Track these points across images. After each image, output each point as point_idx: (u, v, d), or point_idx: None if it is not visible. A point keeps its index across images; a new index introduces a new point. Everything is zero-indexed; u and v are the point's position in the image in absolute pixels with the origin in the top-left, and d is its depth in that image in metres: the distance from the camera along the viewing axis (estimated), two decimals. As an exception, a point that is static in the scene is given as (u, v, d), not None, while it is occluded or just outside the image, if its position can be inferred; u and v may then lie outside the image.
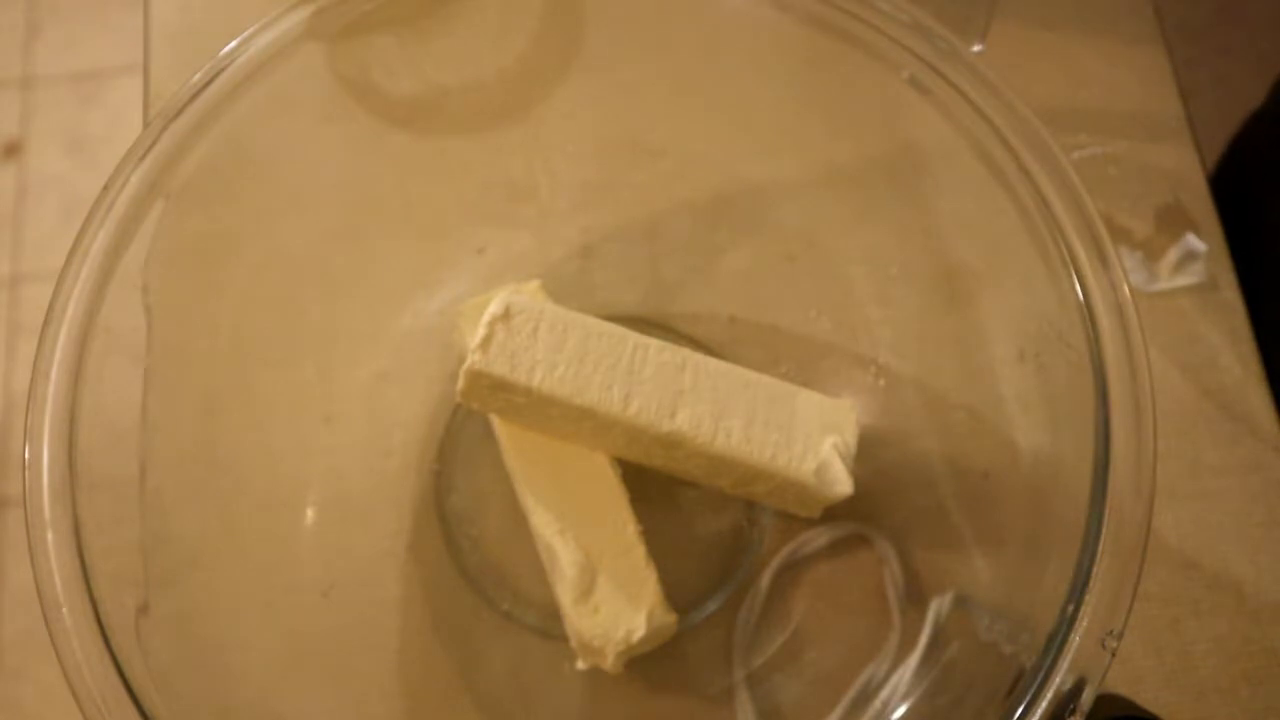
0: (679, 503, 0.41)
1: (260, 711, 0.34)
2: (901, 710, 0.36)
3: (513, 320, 0.35)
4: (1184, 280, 0.44)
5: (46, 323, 0.32)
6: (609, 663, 0.36)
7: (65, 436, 0.31)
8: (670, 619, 0.36)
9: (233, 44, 0.36)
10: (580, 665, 0.37)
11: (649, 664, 0.38)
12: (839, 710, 0.36)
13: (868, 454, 0.37)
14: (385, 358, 0.42)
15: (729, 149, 0.43)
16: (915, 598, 0.38)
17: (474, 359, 0.35)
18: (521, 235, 0.44)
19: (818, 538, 0.39)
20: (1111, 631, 0.28)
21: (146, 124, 0.35)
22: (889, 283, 0.42)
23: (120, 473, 0.34)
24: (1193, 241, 0.45)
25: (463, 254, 0.44)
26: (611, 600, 0.36)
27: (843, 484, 0.36)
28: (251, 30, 0.36)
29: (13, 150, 1.20)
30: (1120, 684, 0.39)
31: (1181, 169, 0.47)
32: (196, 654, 0.34)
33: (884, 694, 0.36)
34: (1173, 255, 0.45)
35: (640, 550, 0.36)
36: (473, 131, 0.43)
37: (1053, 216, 0.33)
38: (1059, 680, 0.28)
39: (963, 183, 0.36)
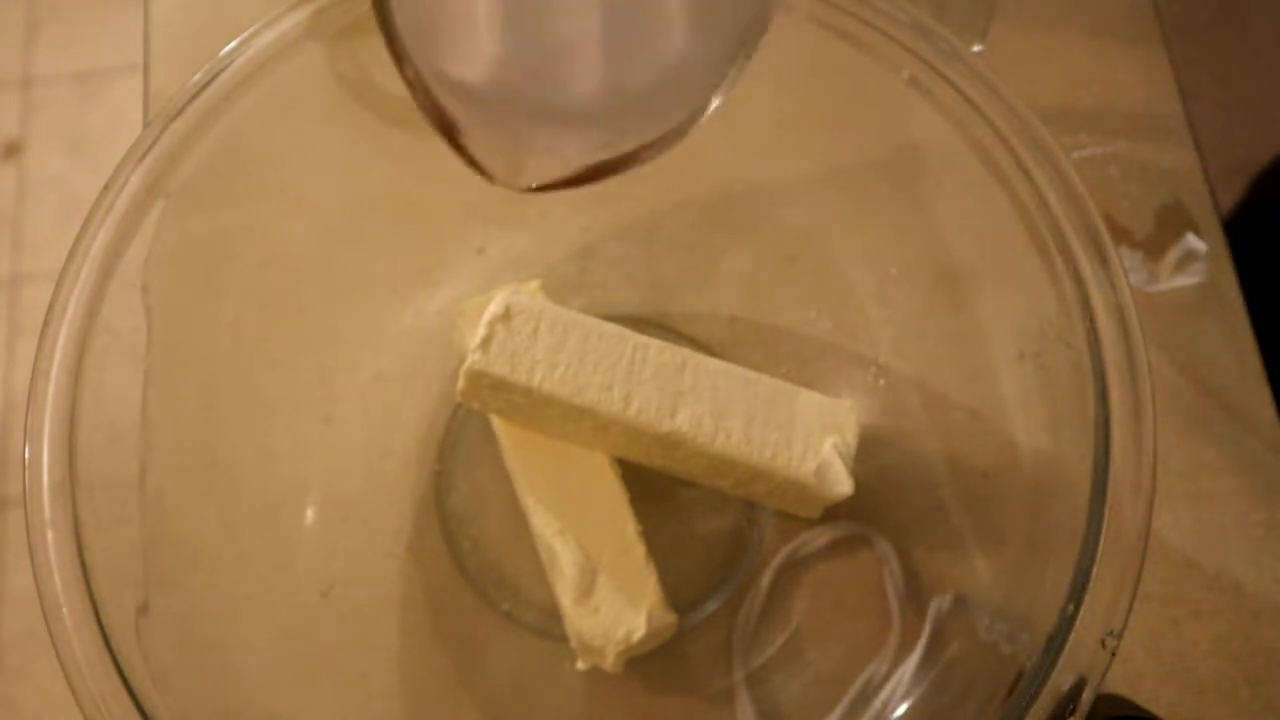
0: (679, 503, 0.41)
1: (260, 711, 0.34)
2: (901, 710, 0.36)
3: (513, 320, 0.35)
4: (1184, 280, 0.44)
5: (46, 323, 0.33)
6: (609, 663, 0.36)
7: (65, 436, 0.31)
8: (670, 619, 0.36)
9: (233, 44, 0.36)
10: (580, 665, 0.37)
11: (649, 664, 0.38)
12: (839, 710, 0.36)
13: (868, 454, 0.37)
14: (385, 358, 0.42)
15: (729, 149, 0.43)
16: (915, 598, 0.38)
17: (474, 359, 0.35)
18: (521, 235, 0.44)
19: (818, 538, 0.39)
20: (1111, 631, 0.28)
21: (146, 124, 0.35)
22: (889, 283, 0.42)
23: (120, 473, 0.34)
24: (1193, 241, 0.45)
25: (463, 254, 0.44)
26: (611, 600, 0.36)
27: (843, 484, 0.36)
28: (251, 30, 0.36)
29: (13, 150, 1.20)
30: (1120, 684, 0.39)
31: (1181, 169, 0.47)
32: (196, 654, 0.34)
33: (884, 694, 0.36)
34: (1173, 255, 0.45)
35: (640, 550, 0.36)
36: (473, 131, 0.43)
37: (1053, 216, 0.33)
38: (1059, 680, 0.28)
39: (963, 183, 0.36)
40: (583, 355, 0.35)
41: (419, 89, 0.24)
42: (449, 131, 0.25)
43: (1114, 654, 0.28)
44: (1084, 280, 0.32)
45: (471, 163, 0.25)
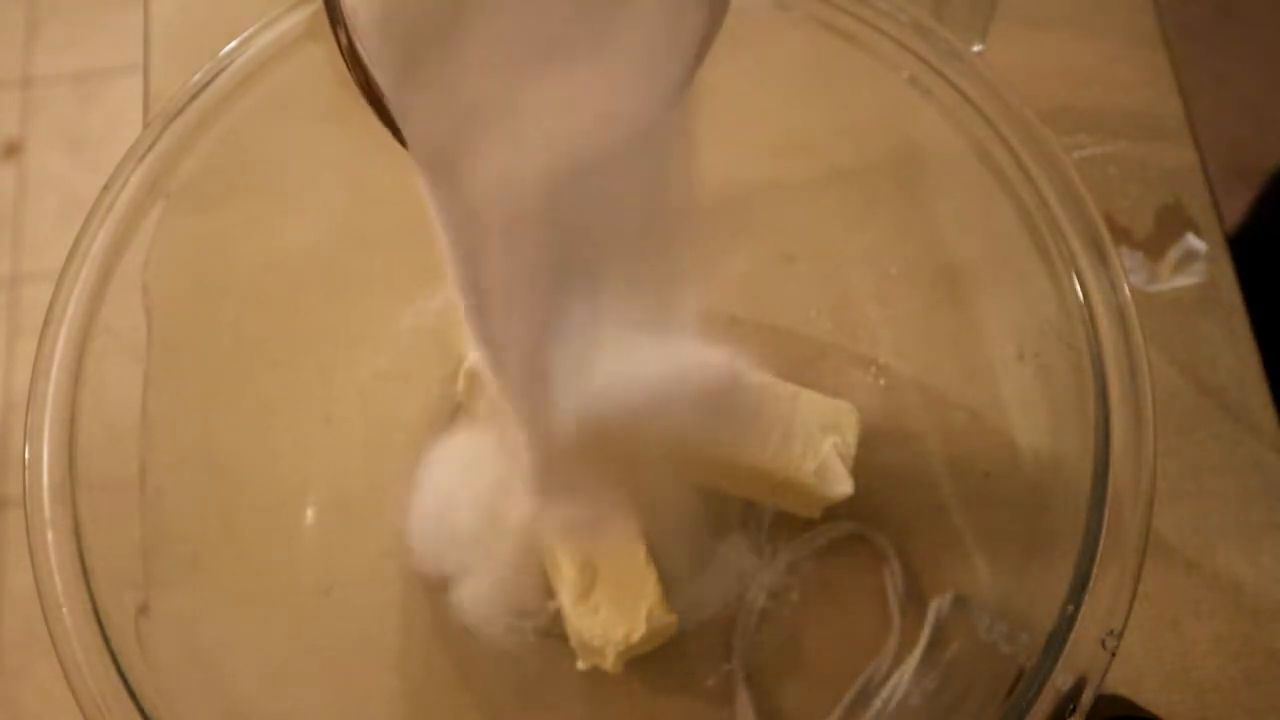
0: (679, 503, 0.40)
1: (260, 711, 0.34)
2: (902, 710, 0.36)
3: (513, 320, 0.35)
4: (1184, 280, 0.44)
5: (46, 323, 0.32)
6: (609, 663, 0.35)
7: (65, 436, 0.31)
8: (670, 619, 0.36)
9: (233, 44, 0.36)
10: (580, 665, 0.37)
11: (649, 664, 0.38)
12: (839, 710, 0.36)
13: (868, 454, 0.37)
14: (385, 358, 0.42)
15: (729, 149, 0.43)
16: (915, 598, 0.38)
17: (474, 359, 0.35)
18: (521, 235, 0.44)
19: (818, 538, 0.39)
20: (1111, 631, 0.28)
21: (146, 124, 0.35)
22: (889, 283, 0.42)
23: (120, 473, 0.34)
24: (1193, 241, 0.45)
25: (463, 254, 0.44)
26: (611, 600, 0.36)
27: (843, 484, 0.36)
28: (251, 30, 0.36)
29: (13, 150, 1.20)
30: (1120, 684, 0.39)
31: (1181, 169, 0.46)
32: (196, 654, 0.34)
33: (884, 694, 0.36)
34: (1173, 255, 0.45)
35: (640, 550, 0.36)
36: (473, 131, 0.43)
37: (1053, 216, 0.33)
38: (1059, 680, 0.28)
39: (963, 183, 0.36)
40: (583, 355, 0.35)
41: (350, 58, 0.24)
42: (379, 105, 0.25)
43: (1114, 654, 0.28)
44: (1084, 280, 0.32)
45: (401, 139, 0.25)
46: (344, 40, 0.23)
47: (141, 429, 0.35)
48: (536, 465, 0.33)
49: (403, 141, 0.25)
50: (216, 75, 0.35)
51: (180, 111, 0.35)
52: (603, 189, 0.26)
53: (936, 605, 0.37)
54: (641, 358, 0.33)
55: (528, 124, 0.24)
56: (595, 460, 0.34)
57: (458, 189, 0.26)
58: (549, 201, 0.25)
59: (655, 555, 0.36)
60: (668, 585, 0.36)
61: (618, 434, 0.33)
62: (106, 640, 0.29)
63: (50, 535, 0.30)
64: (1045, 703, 0.28)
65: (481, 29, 0.23)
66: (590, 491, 0.35)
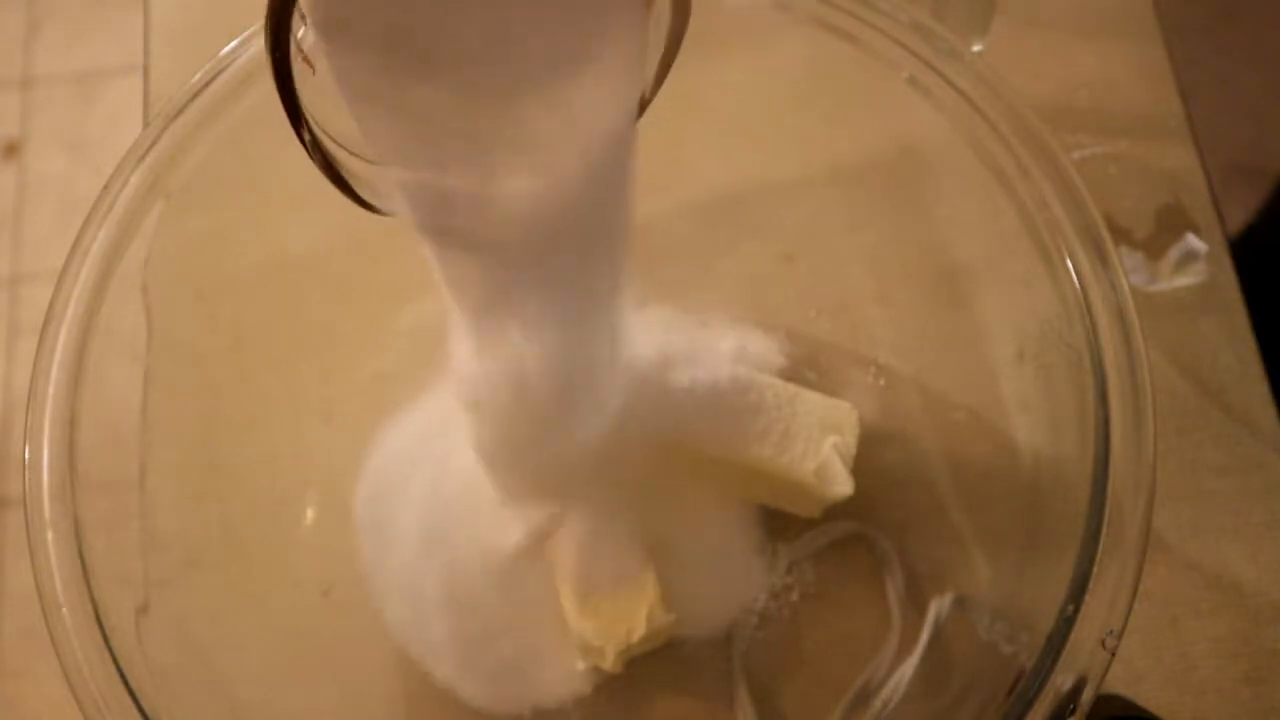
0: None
1: (260, 711, 0.34)
2: (902, 710, 0.36)
3: (513, 320, 0.35)
4: (1184, 280, 0.44)
5: (46, 323, 0.33)
6: (609, 662, 0.36)
7: (65, 436, 0.31)
8: (670, 618, 0.36)
9: (233, 44, 0.35)
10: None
11: (649, 664, 0.38)
12: (839, 710, 0.36)
13: (868, 454, 0.37)
14: (385, 358, 0.42)
15: (729, 149, 0.43)
16: (915, 598, 0.38)
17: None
18: (521, 235, 0.44)
19: (818, 538, 0.39)
20: (1111, 631, 0.28)
21: (146, 124, 0.35)
22: (889, 283, 0.42)
23: (120, 473, 0.34)
24: (1193, 241, 0.45)
25: (463, 254, 0.44)
26: (611, 600, 0.36)
27: (843, 484, 0.36)
28: (251, 30, 0.36)
29: (13, 150, 1.20)
30: (1120, 684, 0.39)
31: (1181, 169, 0.46)
32: (196, 654, 0.34)
33: (884, 694, 0.36)
34: (1173, 255, 0.45)
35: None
36: (473, 131, 0.43)
37: (1053, 216, 0.33)
38: (1059, 680, 0.28)
39: (963, 183, 0.36)
40: (583, 355, 0.35)
41: (313, 150, 0.24)
42: (344, 186, 0.25)
43: (1114, 654, 0.28)
44: (1084, 280, 0.32)
45: (368, 207, 0.26)
46: (308, 138, 0.24)
47: (141, 429, 0.35)
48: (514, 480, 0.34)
49: (369, 208, 0.26)
50: (216, 75, 0.35)
51: (180, 111, 0.35)
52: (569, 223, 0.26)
53: (936, 605, 0.37)
54: (636, 363, 0.33)
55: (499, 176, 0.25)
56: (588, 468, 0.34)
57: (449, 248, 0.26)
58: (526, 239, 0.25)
59: (655, 555, 0.36)
60: (668, 585, 0.36)
61: (617, 440, 0.33)
62: (106, 640, 0.29)
63: (50, 535, 0.30)
64: (1045, 703, 0.28)
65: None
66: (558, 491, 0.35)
